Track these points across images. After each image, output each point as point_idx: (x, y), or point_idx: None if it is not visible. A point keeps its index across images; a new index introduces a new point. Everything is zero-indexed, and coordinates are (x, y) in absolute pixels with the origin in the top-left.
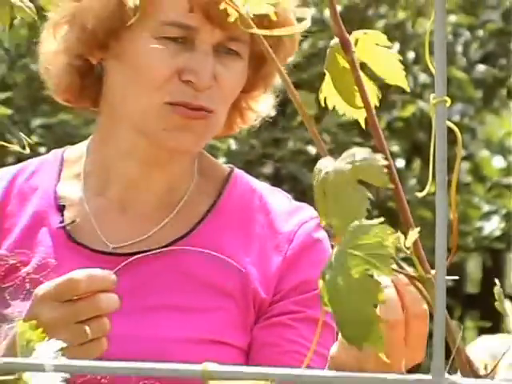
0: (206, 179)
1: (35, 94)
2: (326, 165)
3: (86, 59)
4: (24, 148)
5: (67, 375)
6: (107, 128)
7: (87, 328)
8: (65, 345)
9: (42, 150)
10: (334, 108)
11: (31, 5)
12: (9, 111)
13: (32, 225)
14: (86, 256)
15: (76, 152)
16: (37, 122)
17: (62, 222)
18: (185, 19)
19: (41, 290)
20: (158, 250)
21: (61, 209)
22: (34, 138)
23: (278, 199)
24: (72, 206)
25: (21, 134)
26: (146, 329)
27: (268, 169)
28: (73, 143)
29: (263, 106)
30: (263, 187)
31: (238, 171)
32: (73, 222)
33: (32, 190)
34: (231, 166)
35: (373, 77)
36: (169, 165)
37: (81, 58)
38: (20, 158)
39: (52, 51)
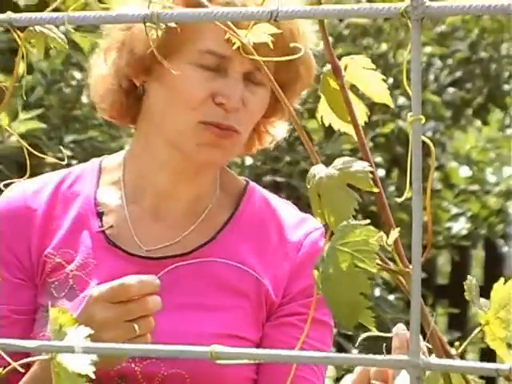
0: (226, 192)
1: (68, 113)
2: (318, 170)
3: (130, 80)
4: (59, 159)
5: (95, 357)
6: (144, 142)
7: (136, 326)
8: (92, 331)
9: (74, 162)
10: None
11: (63, 36)
12: (43, 125)
13: (75, 227)
14: (122, 258)
15: (113, 161)
16: (69, 138)
17: (100, 226)
18: (220, 49)
19: (95, 291)
20: (188, 262)
21: (99, 214)
22: (67, 152)
23: (287, 211)
24: (110, 212)
25: (60, 147)
26: (174, 324)
27: (270, 179)
28: (99, 156)
29: (279, 130)
30: (274, 199)
31: (252, 184)
32: (111, 226)
33: (74, 195)
34: (246, 179)
35: (361, 97)
36: (196, 177)
37: (127, 80)
38: (55, 169)
39: (101, 74)
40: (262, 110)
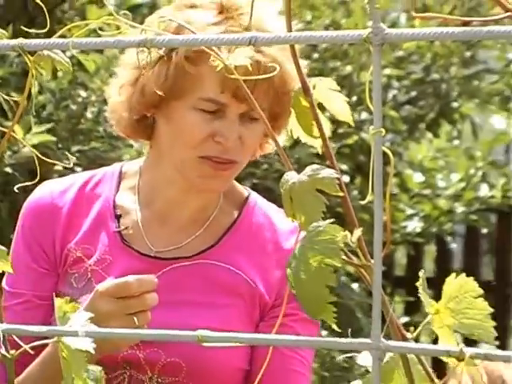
0: (229, 200)
1: (74, 127)
2: (291, 176)
3: (141, 112)
4: (65, 167)
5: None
6: (156, 159)
7: (135, 319)
8: (92, 315)
9: (79, 169)
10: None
11: (68, 59)
12: (53, 138)
13: (95, 226)
14: (134, 257)
15: (132, 168)
16: (75, 148)
17: (117, 227)
18: (218, 97)
19: (101, 287)
20: (189, 263)
21: (117, 216)
22: (73, 160)
23: (282, 220)
24: (126, 215)
25: (69, 155)
26: (174, 319)
27: (249, 183)
28: (102, 164)
29: (278, 139)
30: (272, 210)
31: (253, 195)
32: (126, 228)
33: (96, 197)
34: (248, 189)
35: (328, 114)
36: (201, 194)
37: (138, 113)
38: (62, 175)
39: (116, 102)
40: (259, 141)
